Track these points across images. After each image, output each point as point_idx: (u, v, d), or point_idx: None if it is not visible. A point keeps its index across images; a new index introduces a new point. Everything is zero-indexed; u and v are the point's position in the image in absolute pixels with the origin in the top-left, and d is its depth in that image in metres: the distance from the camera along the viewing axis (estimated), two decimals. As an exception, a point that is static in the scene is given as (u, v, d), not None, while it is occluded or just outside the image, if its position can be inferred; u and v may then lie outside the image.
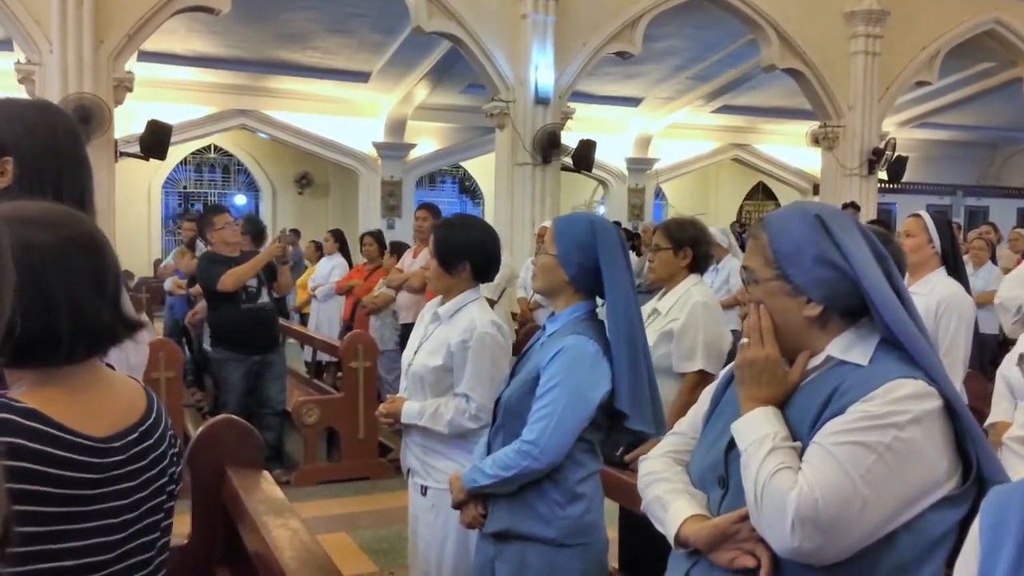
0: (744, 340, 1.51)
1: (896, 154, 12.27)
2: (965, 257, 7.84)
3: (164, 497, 1.46)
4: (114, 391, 1.42)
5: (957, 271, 3.65)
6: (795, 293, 1.47)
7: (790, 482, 1.33)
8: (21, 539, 1.24)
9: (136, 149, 9.37)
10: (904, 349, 1.43)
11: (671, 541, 1.55)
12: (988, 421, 2.93)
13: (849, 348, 1.45)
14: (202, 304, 6.39)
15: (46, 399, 1.31)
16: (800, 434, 1.41)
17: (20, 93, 7.86)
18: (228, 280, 5.39)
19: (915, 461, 1.33)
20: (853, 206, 10.06)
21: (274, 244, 5.72)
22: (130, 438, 1.39)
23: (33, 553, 1.26)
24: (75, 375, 1.35)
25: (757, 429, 1.42)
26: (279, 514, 2.20)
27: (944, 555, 1.38)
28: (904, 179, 13.30)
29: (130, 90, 8.53)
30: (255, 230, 7.41)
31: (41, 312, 1.29)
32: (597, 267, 2.27)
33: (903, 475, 1.32)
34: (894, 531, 1.34)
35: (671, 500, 1.56)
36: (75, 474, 1.30)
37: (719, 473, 1.53)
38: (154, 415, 1.46)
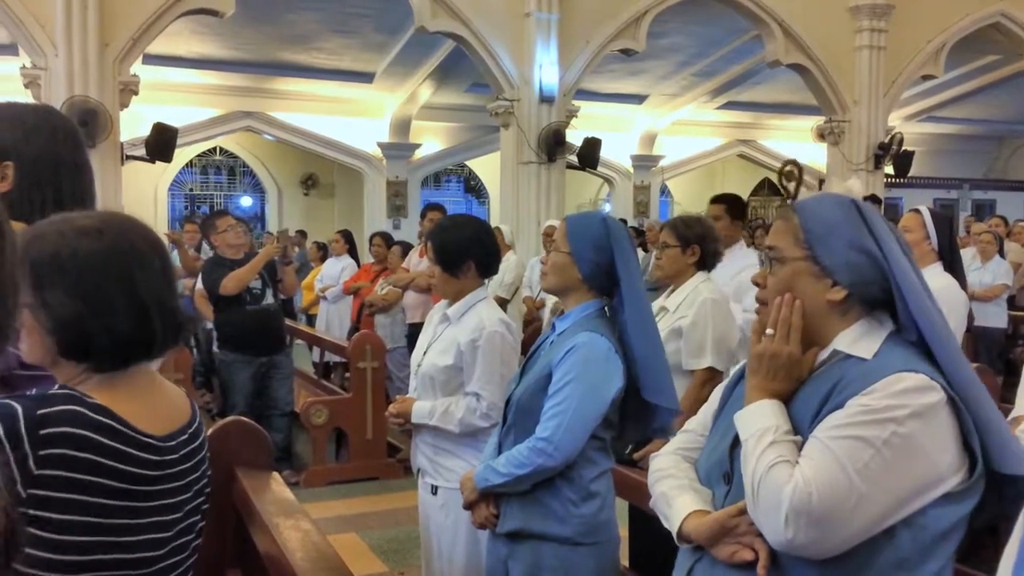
0: (769, 331, 1.49)
1: (902, 148, 12.23)
2: (973, 250, 7.83)
3: (202, 499, 1.51)
4: (165, 393, 1.47)
5: (953, 268, 3.65)
6: (821, 275, 1.48)
7: (786, 476, 1.34)
8: (84, 528, 1.28)
9: (142, 152, 9.39)
10: (915, 344, 1.43)
11: (674, 537, 1.56)
12: (1012, 415, 2.93)
13: (856, 342, 1.45)
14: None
15: (113, 398, 1.35)
16: (802, 428, 1.41)
17: (26, 98, 7.88)
18: (229, 283, 5.41)
19: (915, 456, 1.32)
20: (874, 199, 10.02)
21: (271, 244, 5.72)
22: (181, 439, 1.44)
23: (95, 544, 1.30)
24: (135, 377, 1.40)
25: (760, 421, 1.43)
26: (289, 515, 2.21)
27: (950, 551, 1.37)
28: (910, 173, 13.25)
29: (135, 93, 8.53)
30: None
31: (137, 312, 1.35)
32: (611, 265, 2.27)
33: (902, 470, 1.32)
34: (893, 526, 1.33)
35: (675, 496, 1.58)
36: (139, 470, 1.34)
37: (724, 470, 1.54)
38: (197, 418, 1.51)
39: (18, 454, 1.22)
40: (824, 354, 1.48)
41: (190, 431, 1.47)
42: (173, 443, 1.41)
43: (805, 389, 1.46)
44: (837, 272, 1.46)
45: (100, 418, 1.31)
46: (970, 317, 3.82)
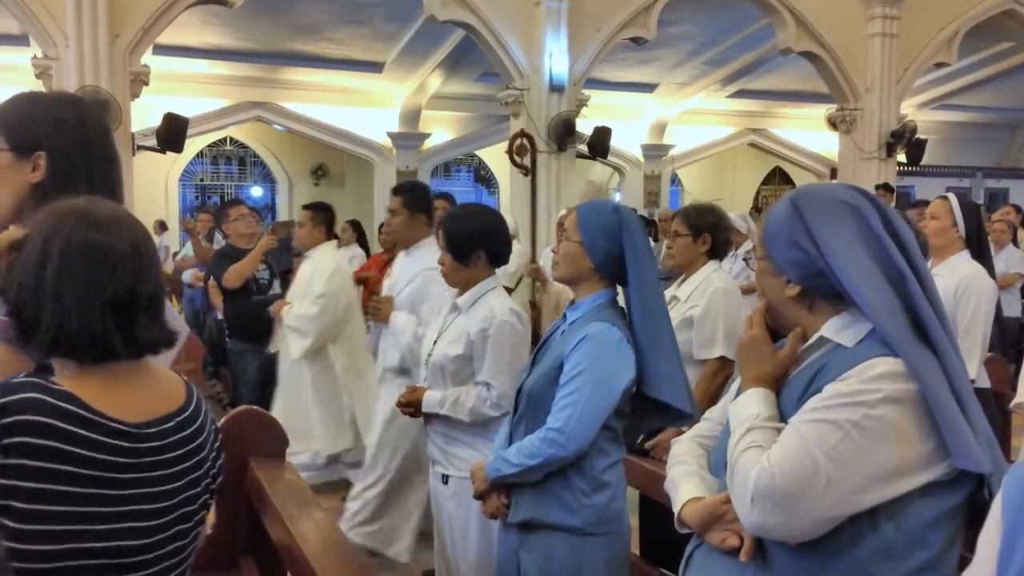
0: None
1: (915, 136, 12.14)
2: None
3: (199, 489, 1.48)
4: (154, 381, 1.45)
5: (982, 255, 3.63)
6: (777, 273, 1.54)
7: (754, 460, 1.37)
8: (51, 517, 1.27)
9: (153, 142, 9.42)
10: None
11: (675, 522, 1.60)
12: (1014, 402, 2.92)
13: (842, 329, 1.47)
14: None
15: (83, 385, 1.34)
16: (788, 415, 1.44)
17: (38, 88, 7.91)
18: (229, 277, 5.48)
19: (888, 440, 1.33)
20: (886, 188, 9.94)
21: (267, 237, 5.73)
22: (166, 426, 1.41)
23: (63, 532, 1.29)
24: (117, 367, 1.38)
25: (744, 410, 1.47)
26: (302, 504, 2.21)
27: (940, 541, 1.37)
28: (923, 162, 13.17)
29: (146, 84, 8.55)
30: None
31: (82, 310, 1.32)
32: (621, 254, 2.26)
33: (873, 454, 1.33)
34: (876, 516, 1.34)
35: (682, 482, 1.62)
36: (106, 457, 1.32)
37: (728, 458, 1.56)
38: (192, 407, 1.48)
39: None
40: (812, 340, 1.52)
41: (179, 419, 1.44)
42: (152, 431, 1.38)
43: (796, 376, 1.49)
44: (787, 270, 1.52)
45: (64, 405, 1.29)
46: (998, 307, 3.79)
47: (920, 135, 12.37)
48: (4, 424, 1.24)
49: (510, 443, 2.33)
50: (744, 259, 6.34)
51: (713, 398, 3.11)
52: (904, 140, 11.94)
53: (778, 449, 1.36)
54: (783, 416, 1.45)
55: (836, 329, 1.48)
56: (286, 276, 5.83)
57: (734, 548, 1.46)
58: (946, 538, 1.38)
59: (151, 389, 1.43)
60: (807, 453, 1.33)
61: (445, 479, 2.83)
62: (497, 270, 2.92)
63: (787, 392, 1.49)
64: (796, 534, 1.35)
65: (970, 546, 1.40)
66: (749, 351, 1.54)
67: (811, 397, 1.40)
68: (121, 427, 1.34)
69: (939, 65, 12.43)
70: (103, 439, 1.32)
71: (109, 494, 1.33)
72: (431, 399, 2.84)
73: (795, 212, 1.51)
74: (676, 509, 1.59)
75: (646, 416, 2.35)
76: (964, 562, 1.39)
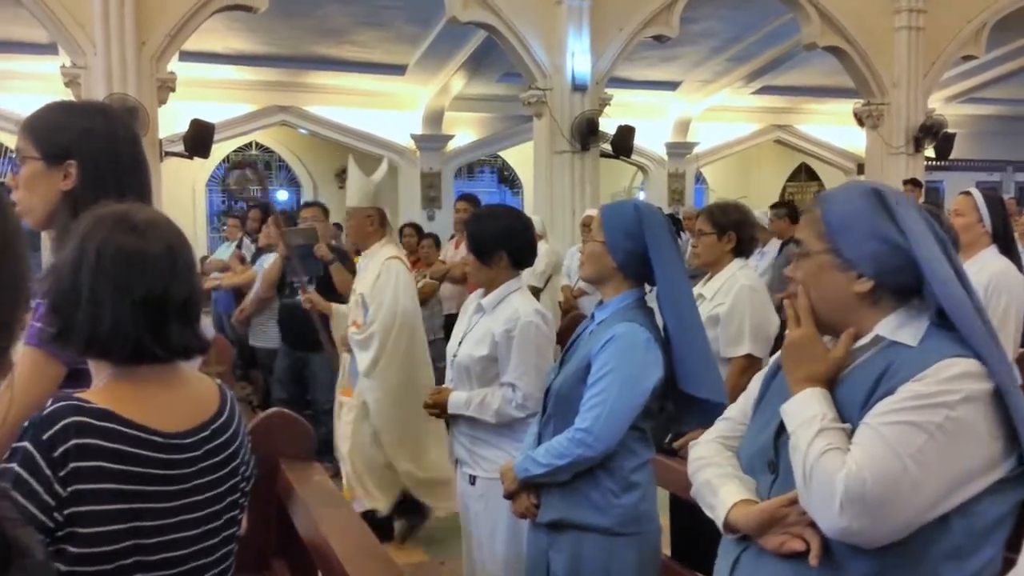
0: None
1: (943, 131, 11.99)
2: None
3: (238, 494, 1.49)
4: (188, 389, 1.45)
5: (1009, 250, 3.58)
6: (845, 267, 1.46)
7: (838, 463, 1.32)
8: (114, 536, 1.28)
9: (180, 148, 9.51)
10: (956, 329, 1.40)
11: (720, 526, 1.55)
12: None
13: (899, 328, 1.43)
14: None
15: (118, 397, 1.35)
16: (850, 416, 1.40)
17: (67, 96, 8.01)
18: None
19: (967, 441, 1.31)
20: (914, 183, 9.83)
21: (280, 247, 5.78)
22: (202, 435, 1.42)
23: (119, 551, 1.30)
24: (150, 372, 1.39)
25: (805, 411, 1.41)
26: (332, 505, 2.23)
27: (1003, 537, 1.36)
28: (952, 156, 13.01)
29: (173, 90, 8.64)
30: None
31: (115, 311, 1.34)
32: (645, 253, 2.27)
33: (955, 455, 1.30)
34: (947, 515, 1.32)
35: (720, 485, 1.56)
36: (150, 470, 1.33)
37: (769, 458, 1.52)
38: (227, 413, 1.49)
39: (43, 482, 1.23)
40: (866, 339, 1.47)
41: (215, 426, 1.44)
42: (189, 440, 1.39)
43: (852, 376, 1.45)
44: (860, 263, 1.45)
45: (104, 423, 1.29)
46: None
47: (948, 129, 12.21)
48: (57, 456, 1.24)
49: (539, 443, 2.33)
50: (788, 256, 6.28)
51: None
52: (932, 134, 11.79)
53: (863, 453, 1.31)
54: (842, 417, 1.41)
55: (893, 327, 1.44)
56: (330, 285, 5.88)
57: (795, 552, 1.40)
58: (1006, 534, 1.36)
59: (187, 396, 1.44)
60: (895, 456, 1.29)
61: (472, 480, 2.84)
62: (525, 271, 2.93)
63: (844, 392, 1.44)
64: (879, 538, 1.32)
65: (1009, 547, 1.39)
66: (800, 349, 1.47)
67: (880, 399, 1.36)
68: (158, 439, 1.35)
69: (967, 58, 12.27)
70: (145, 452, 1.32)
71: (158, 507, 1.33)
72: (457, 400, 2.85)
73: (880, 203, 1.46)
74: (719, 513, 1.53)
75: (690, 411, 2.33)
76: (1008, 564, 1.39)
